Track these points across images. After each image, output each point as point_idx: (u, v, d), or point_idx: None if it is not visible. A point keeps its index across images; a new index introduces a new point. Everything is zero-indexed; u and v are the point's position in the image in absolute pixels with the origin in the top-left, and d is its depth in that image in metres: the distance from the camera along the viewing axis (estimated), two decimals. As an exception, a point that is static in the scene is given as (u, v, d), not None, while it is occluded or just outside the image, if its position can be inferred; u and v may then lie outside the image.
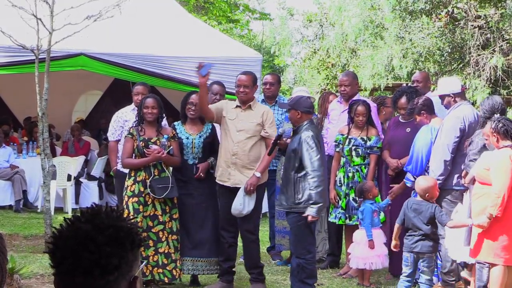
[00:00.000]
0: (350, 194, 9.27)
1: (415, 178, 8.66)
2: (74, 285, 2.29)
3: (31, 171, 14.04)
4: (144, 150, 8.25)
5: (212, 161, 8.62)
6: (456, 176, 8.31)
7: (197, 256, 8.48)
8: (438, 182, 8.14)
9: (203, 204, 8.53)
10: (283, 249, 9.83)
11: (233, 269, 8.70)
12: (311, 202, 7.66)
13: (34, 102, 10.34)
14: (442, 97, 8.63)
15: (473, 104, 13.92)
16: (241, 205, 8.16)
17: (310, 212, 7.67)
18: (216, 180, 8.60)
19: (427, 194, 7.84)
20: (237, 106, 8.61)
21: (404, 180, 8.77)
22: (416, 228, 7.79)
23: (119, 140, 9.60)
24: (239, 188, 8.36)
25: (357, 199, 9.13)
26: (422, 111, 8.72)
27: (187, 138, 8.54)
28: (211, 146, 8.63)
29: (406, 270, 7.90)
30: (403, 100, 9.26)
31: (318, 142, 7.78)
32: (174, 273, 8.32)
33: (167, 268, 8.27)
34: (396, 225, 8.07)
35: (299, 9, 25.86)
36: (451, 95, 8.50)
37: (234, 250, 8.67)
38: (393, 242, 8.13)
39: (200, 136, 8.59)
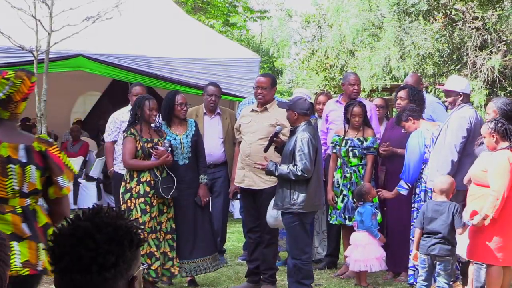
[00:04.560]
0: (348, 194, 9.28)
1: (408, 186, 8.69)
2: (72, 282, 2.33)
3: (30, 172, 14.03)
4: (151, 151, 8.22)
5: (203, 179, 8.68)
6: (459, 177, 8.28)
7: (193, 257, 8.51)
8: None
9: (194, 204, 8.55)
10: (280, 250, 9.86)
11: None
12: (278, 169, 7.79)
13: (32, 103, 10.35)
14: (448, 93, 8.61)
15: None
16: (275, 220, 8.22)
17: (269, 165, 7.83)
18: (235, 183, 8.86)
19: (448, 190, 7.73)
20: (252, 110, 8.74)
21: (396, 188, 8.80)
22: (436, 232, 7.62)
23: (115, 141, 9.62)
24: (254, 189, 8.54)
25: (354, 201, 9.13)
26: (409, 117, 8.77)
27: (175, 139, 8.51)
28: (197, 144, 8.67)
29: (422, 272, 7.73)
30: (403, 92, 9.27)
31: (313, 145, 7.80)
32: (172, 271, 8.34)
33: (165, 267, 8.29)
34: (417, 230, 7.82)
35: (298, 11, 25.92)
36: (460, 93, 8.50)
37: (261, 251, 8.72)
38: (414, 252, 7.89)
39: (187, 136, 8.59)
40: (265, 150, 8.22)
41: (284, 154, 7.93)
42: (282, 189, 7.88)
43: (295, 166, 7.68)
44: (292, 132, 7.97)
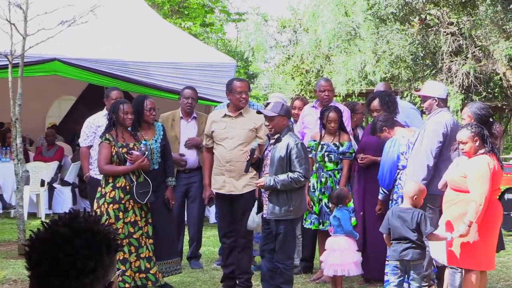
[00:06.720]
0: (323, 199, 9.29)
1: (383, 191, 8.73)
2: (49, 287, 2.31)
3: (4, 177, 13.98)
4: (126, 156, 8.14)
5: (171, 181, 8.69)
6: (437, 181, 8.27)
7: (166, 259, 8.53)
8: None
9: (163, 207, 8.55)
10: (255, 254, 9.85)
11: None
12: (278, 181, 7.59)
13: (7, 107, 10.30)
14: (425, 98, 8.62)
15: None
16: (258, 225, 8.17)
17: (266, 181, 7.62)
18: (212, 189, 8.75)
19: (415, 197, 7.60)
20: (225, 115, 8.67)
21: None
22: (404, 238, 7.51)
23: (91, 146, 9.59)
24: (234, 194, 8.51)
25: (330, 205, 9.13)
26: (384, 127, 8.79)
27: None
28: (165, 148, 8.67)
29: (394, 279, 7.59)
30: (376, 102, 9.28)
31: (306, 149, 7.81)
32: (157, 276, 8.29)
33: (151, 272, 8.21)
34: (384, 235, 7.73)
35: (273, 15, 25.96)
36: (436, 99, 8.50)
37: (235, 255, 8.71)
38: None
39: (156, 141, 8.58)
40: (246, 171, 8.11)
41: (276, 162, 7.70)
42: (277, 197, 7.70)
43: (295, 173, 7.57)
44: (278, 139, 7.77)
